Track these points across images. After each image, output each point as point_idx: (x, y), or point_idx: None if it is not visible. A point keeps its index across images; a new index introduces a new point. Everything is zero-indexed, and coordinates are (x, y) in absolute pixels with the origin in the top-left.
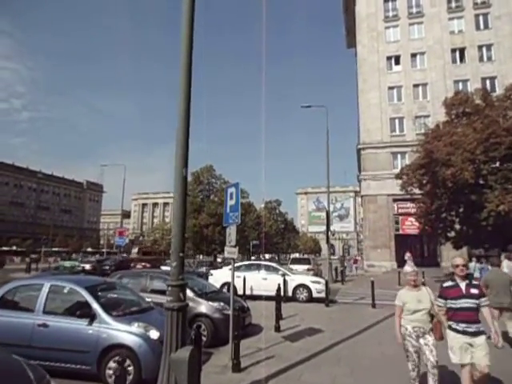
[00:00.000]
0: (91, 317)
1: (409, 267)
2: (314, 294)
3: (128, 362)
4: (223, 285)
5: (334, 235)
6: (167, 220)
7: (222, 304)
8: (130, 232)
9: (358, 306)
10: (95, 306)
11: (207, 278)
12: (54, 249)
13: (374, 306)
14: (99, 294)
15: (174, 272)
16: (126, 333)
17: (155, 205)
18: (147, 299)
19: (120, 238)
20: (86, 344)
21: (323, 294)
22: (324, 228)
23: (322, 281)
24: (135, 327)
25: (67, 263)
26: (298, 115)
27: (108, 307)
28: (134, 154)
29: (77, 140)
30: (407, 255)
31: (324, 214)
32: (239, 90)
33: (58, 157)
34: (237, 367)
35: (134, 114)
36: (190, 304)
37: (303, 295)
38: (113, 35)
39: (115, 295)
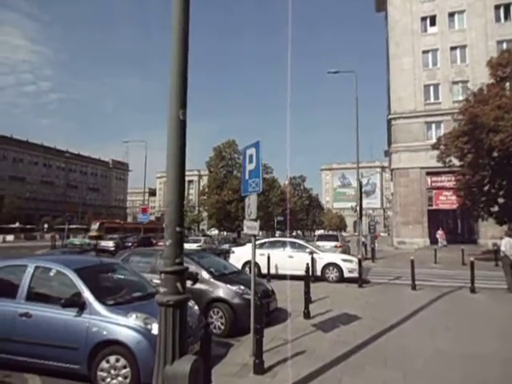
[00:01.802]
0: (80, 306)
1: None
2: (346, 274)
3: (123, 362)
4: (245, 264)
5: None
6: (191, 198)
7: (242, 287)
8: (156, 210)
9: (395, 287)
10: (86, 292)
11: (229, 256)
12: (72, 226)
13: (414, 287)
14: (93, 277)
15: (169, 253)
16: (121, 326)
17: None
18: (156, 281)
19: (143, 214)
20: (74, 339)
21: (355, 274)
22: (350, 204)
23: (354, 259)
24: (133, 319)
25: (76, 240)
26: (324, 87)
27: (102, 294)
28: (159, 131)
29: (102, 120)
30: (438, 233)
31: (349, 191)
32: (262, 62)
33: (84, 137)
34: (259, 367)
35: (157, 90)
36: (206, 287)
37: (333, 275)
38: (138, 18)
39: (114, 279)
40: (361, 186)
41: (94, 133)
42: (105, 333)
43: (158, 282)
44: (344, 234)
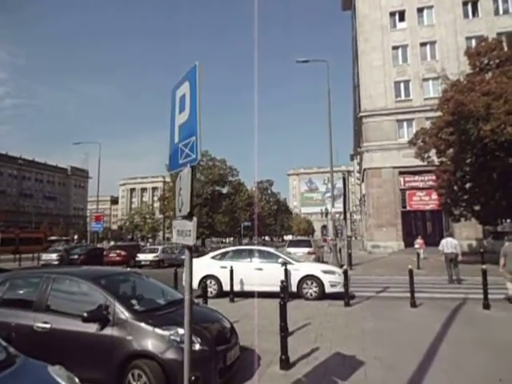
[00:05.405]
0: None
1: None
2: (327, 289)
3: None
4: (203, 279)
5: (327, 215)
6: (156, 205)
7: (180, 332)
8: (118, 218)
9: (389, 304)
10: None
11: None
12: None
13: (413, 304)
14: None
15: None
16: None
17: (144, 190)
18: (41, 325)
19: (96, 223)
20: None
21: (339, 288)
22: (318, 208)
23: (338, 270)
24: None
25: None
26: (289, 88)
27: None
28: (121, 140)
29: (62, 127)
30: (418, 242)
31: (317, 195)
32: (228, 60)
33: (42, 144)
34: None
35: (120, 99)
36: (122, 334)
37: (312, 290)
38: (95, 17)
39: None
40: (345, 184)
41: (55, 141)
42: None
43: (44, 326)
44: (312, 238)
